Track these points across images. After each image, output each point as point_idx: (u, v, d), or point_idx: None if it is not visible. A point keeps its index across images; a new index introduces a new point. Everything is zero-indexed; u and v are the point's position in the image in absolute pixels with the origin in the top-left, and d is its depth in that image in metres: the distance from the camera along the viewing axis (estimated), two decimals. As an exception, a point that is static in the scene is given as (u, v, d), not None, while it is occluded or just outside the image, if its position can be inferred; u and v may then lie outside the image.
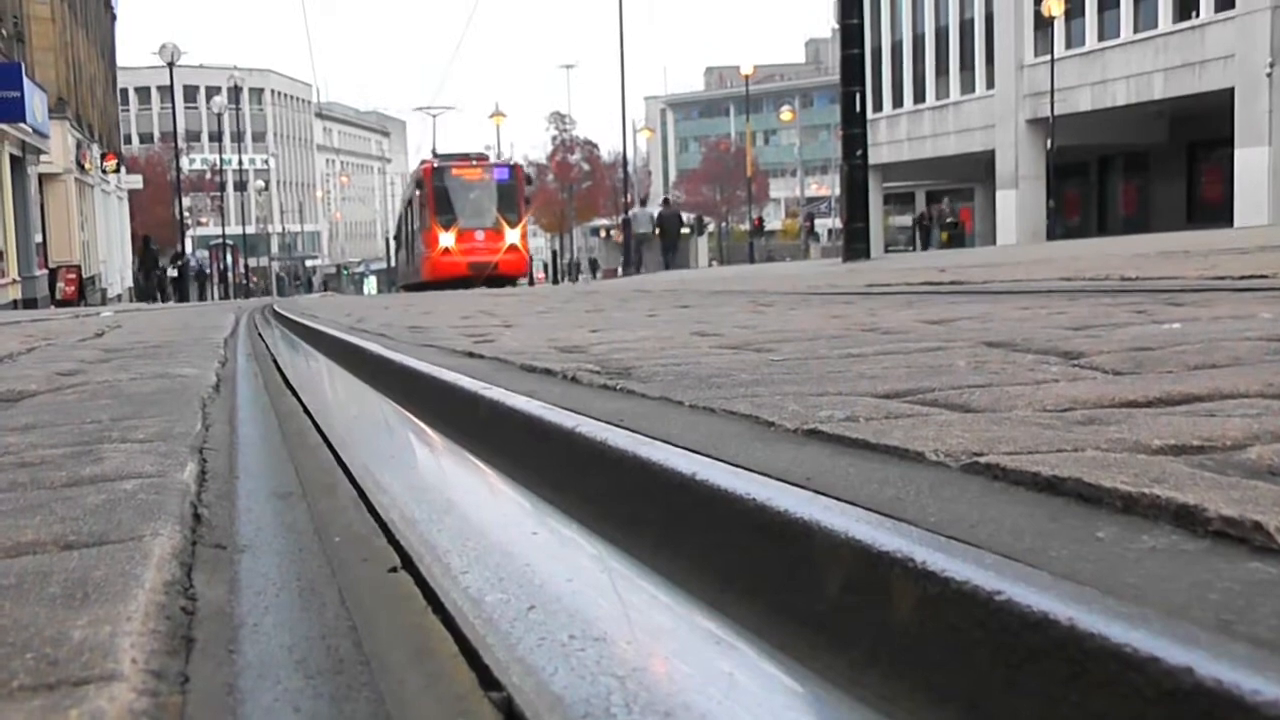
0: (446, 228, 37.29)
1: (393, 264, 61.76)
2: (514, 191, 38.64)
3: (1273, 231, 19.56)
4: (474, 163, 39.31)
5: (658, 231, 43.27)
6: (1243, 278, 5.23)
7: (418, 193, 39.63)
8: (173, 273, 46.78)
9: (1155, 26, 40.92)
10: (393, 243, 65.25)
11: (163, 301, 38.19)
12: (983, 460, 1.32)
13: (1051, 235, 41.25)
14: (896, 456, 1.44)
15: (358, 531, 1.65)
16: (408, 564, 1.45)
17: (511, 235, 37.83)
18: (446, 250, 37.09)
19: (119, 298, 42.45)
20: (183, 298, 43.27)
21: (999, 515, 1.10)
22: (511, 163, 41.06)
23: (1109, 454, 1.32)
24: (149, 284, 43.65)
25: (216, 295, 55.54)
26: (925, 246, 50.01)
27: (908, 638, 0.93)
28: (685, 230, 48.50)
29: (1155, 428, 1.50)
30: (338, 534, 1.64)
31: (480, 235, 37.40)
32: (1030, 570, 0.91)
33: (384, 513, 1.71)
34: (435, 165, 38.58)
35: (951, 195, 57.56)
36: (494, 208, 38.02)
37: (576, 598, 1.25)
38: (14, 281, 32.95)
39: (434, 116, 54.59)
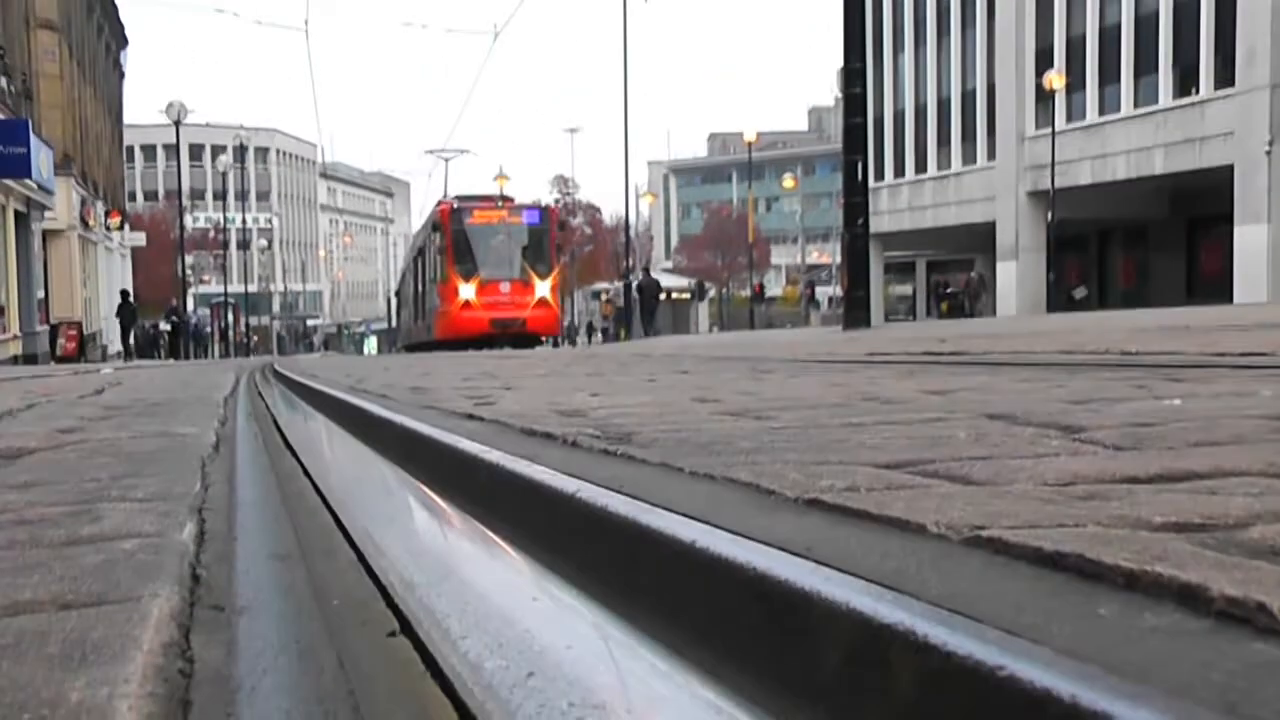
0: (467, 278, 32.71)
1: (394, 323, 59.30)
2: (545, 237, 34.32)
3: (1272, 309, 19.60)
4: (499, 204, 34.82)
5: (638, 299, 41.74)
6: (1243, 354, 5.24)
7: (434, 238, 34.89)
8: (165, 327, 45.30)
9: (1156, 102, 41.26)
10: (394, 300, 61.28)
11: (156, 358, 37.90)
12: (985, 534, 1.32)
13: (1052, 307, 41.37)
14: (898, 528, 1.44)
15: (356, 595, 1.65)
16: (406, 628, 1.44)
17: (541, 288, 33.24)
18: (467, 304, 32.54)
19: (119, 354, 42.29)
20: (175, 355, 42.39)
21: (1001, 590, 1.10)
22: (543, 205, 36.16)
23: (1111, 530, 1.32)
24: (125, 343, 41.36)
25: (216, 353, 55.55)
26: (950, 315, 50.09)
27: (908, 711, 0.92)
28: (662, 297, 47.34)
29: (1157, 504, 1.50)
30: (336, 597, 1.64)
31: (506, 287, 32.78)
32: (1033, 646, 0.91)
33: (383, 576, 1.71)
34: (455, 206, 34.05)
35: (953, 266, 57.73)
36: (522, 256, 33.56)
37: (576, 665, 1.25)
38: (15, 337, 33.01)
39: (446, 161, 47.35)
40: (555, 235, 35.05)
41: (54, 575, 1.56)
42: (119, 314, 42.28)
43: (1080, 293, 47.28)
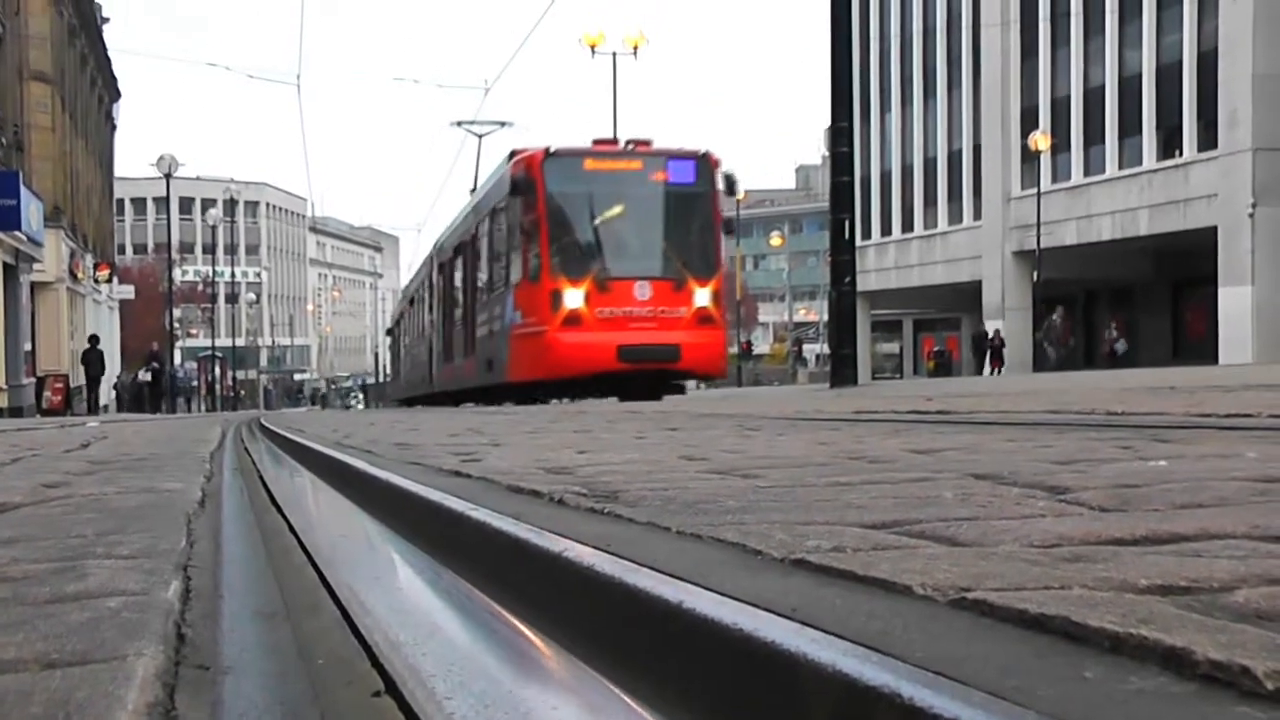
0: (574, 275, 20.25)
1: (390, 372, 52.98)
2: (704, 206, 21.37)
3: (1257, 370, 19.68)
4: (630, 148, 21.43)
5: None
6: (1228, 415, 5.26)
7: (506, 211, 22.01)
8: (145, 376, 41.58)
9: (1140, 164, 41.63)
10: (391, 341, 50.37)
11: (144, 411, 37.22)
12: (970, 596, 1.32)
13: (1038, 367, 41.47)
14: (883, 589, 1.44)
15: (341, 654, 1.64)
16: (391, 688, 1.44)
17: (702, 294, 20.68)
18: (574, 319, 20.04)
19: (105, 408, 42.02)
20: (155, 407, 40.13)
21: (986, 652, 1.10)
22: (700, 152, 21.69)
23: (1096, 592, 1.33)
24: (91, 396, 37.73)
25: (203, 408, 55.37)
26: (937, 373, 49.84)
27: (894, 776, 0.92)
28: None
29: (1142, 567, 1.50)
30: (321, 656, 1.63)
31: (644, 291, 20.30)
32: (1018, 709, 0.91)
33: (368, 635, 1.70)
34: (551, 151, 20.83)
35: (939, 325, 57.94)
36: (668, 238, 21.15)
37: (561, 727, 1.24)
38: (1, 390, 32.88)
39: (480, 137, 35.74)
40: (720, 204, 21.80)
41: (38, 633, 1.55)
42: (84, 360, 38.52)
43: (1122, 346, 43.31)
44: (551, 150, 20.92)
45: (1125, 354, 42.85)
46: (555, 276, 20.38)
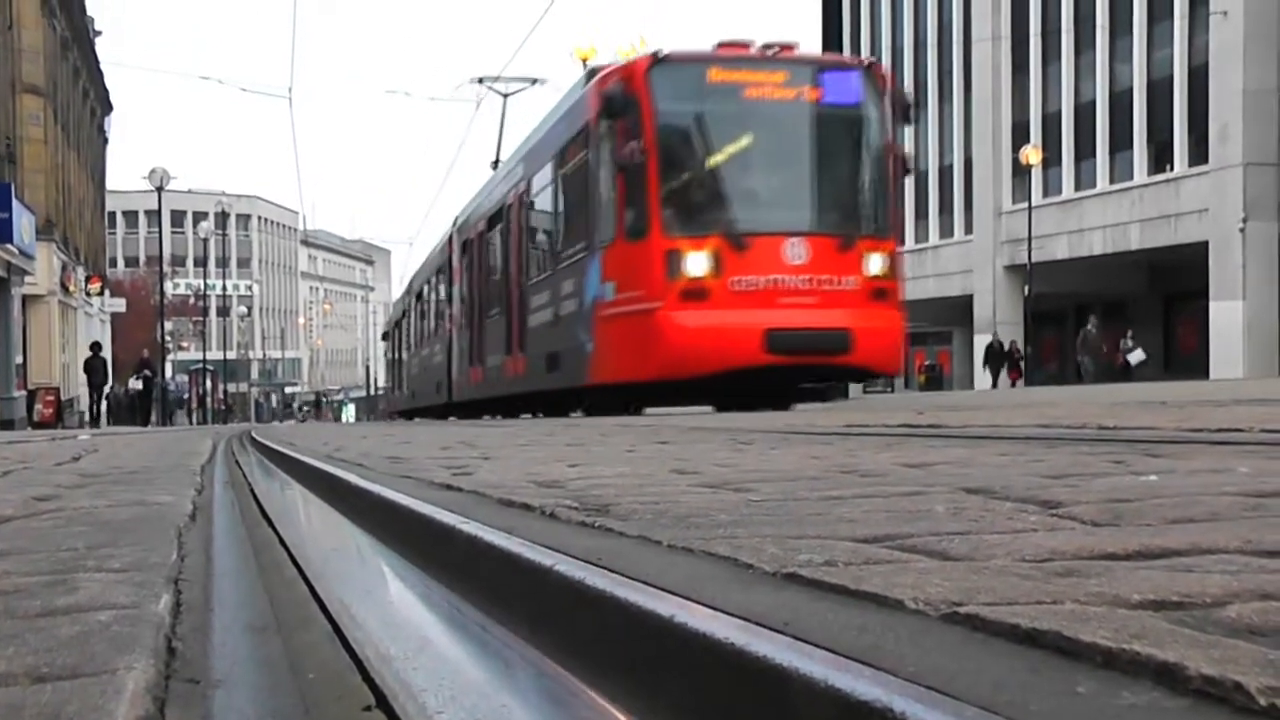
0: (699, 231, 14.91)
1: (378, 386, 49.98)
2: (876, 136, 16.02)
3: (1248, 384, 19.73)
4: (770, 52, 15.79)
5: None
6: (1219, 430, 5.26)
7: (580, 144, 16.62)
8: (137, 385, 39.79)
9: (1131, 178, 41.76)
10: (392, 340, 43.40)
11: (135, 423, 37.00)
12: (962, 610, 1.32)
13: (1029, 381, 41.50)
14: (875, 603, 1.44)
15: (332, 668, 1.64)
16: (382, 702, 1.44)
17: (876, 259, 15.39)
18: (699, 292, 14.57)
19: (96, 420, 41.84)
20: (147, 418, 39.04)
21: (979, 666, 1.10)
22: (865, 61, 17.61)
23: (1088, 607, 1.33)
24: (94, 404, 36.94)
25: (194, 420, 55.30)
26: (929, 387, 49.64)
27: (887, 791, 0.92)
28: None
29: (1134, 582, 1.50)
30: (312, 670, 1.63)
31: (796, 251, 14.79)
32: (1011, 725, 0.91)
33: (359, 649, 1.70)
34: (662, 57, 15.35)
35: (930, 338, 57.99)
36: (826, 178, 15.86)
37: (553, 741, 1.24)
38: (-9, 402, 32.84)
39: (505, 96, 30.35)
40: (895, 135, 16.34)
41: (29, 647, 1.54)
42: (87, 368, 37.31)
43: (1137, 356, 38.32)
44: (662, 55, 15.28)
45: (1141, 365, 38.27)
46: (669, 232, 14.66)
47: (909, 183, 54.53)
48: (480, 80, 30.61)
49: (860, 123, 15.93)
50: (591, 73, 16.89)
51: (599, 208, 15.90)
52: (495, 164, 26.33)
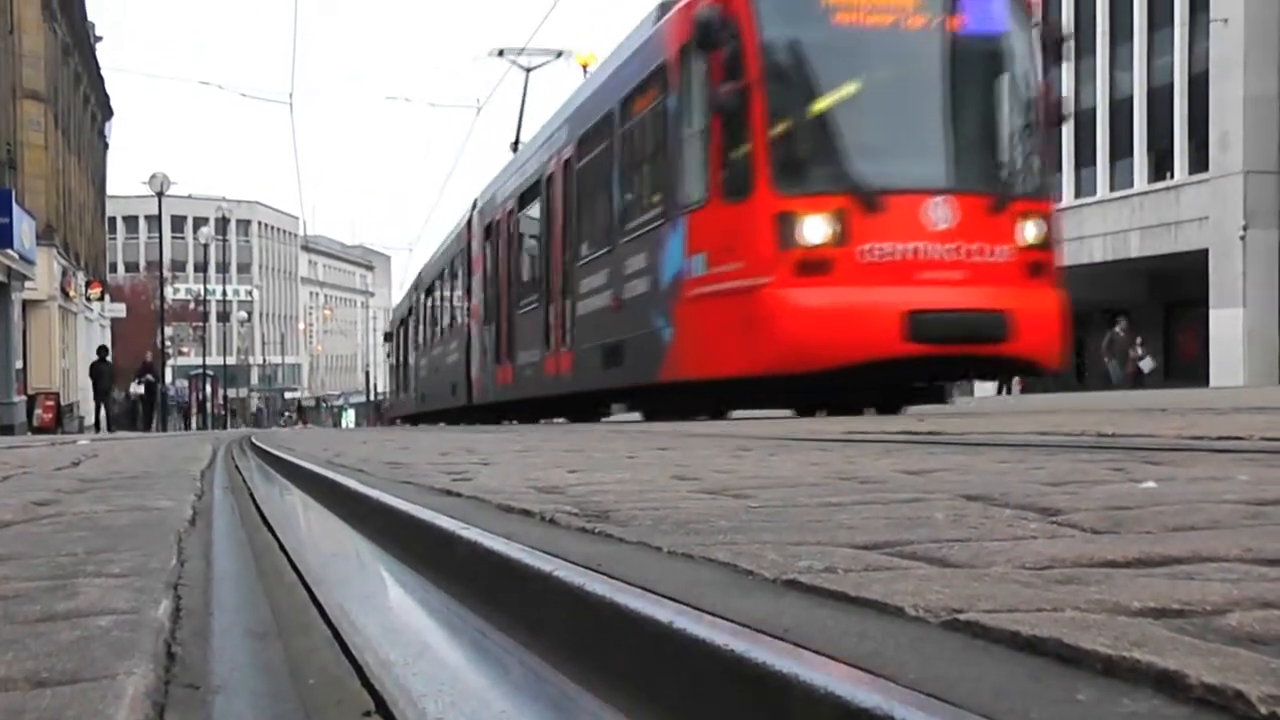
0: (818, 188, 11.85)
1: (378, 391, 47.93)
2: (1026, 74, 13.01)
3: (1248, 392, 19.73)
4: None
5: None
6: (1219, 438, 5.26)
7: (658, 86, 13.77)
8: (138, 389, 39.39)
9: (1131, 186, 41.72)
10: (397, 338, 39.92)
11: (135, 429, 36.87)
12: (962, 617, 1.32)
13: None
14: (875, 610, 1.43)
15: (332, 673, 1.64)
16: (382, 708, 1.43)
17: (1032, 226, 12.26)
18: (819, 264, 11.54)
19: (95, 425, 41.73)
20: (148, 424, 38.77)
21: (979, 674, 1.10)
22: None
23: (1089, 615, 1.33)
24: (99, 409, 36.48)
25: (194, 425, 55.29)
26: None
27: (887, 798, 0.92)
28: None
29: (1134, 589, 1.50)
30: (312, 676, 1.63)
31: (940, 214, 11.65)
32: (1011, 732, 0.91)
33: (359, 654, 1.69)
34: None
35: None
36: (970, 125, 12.77)
37: (552, 748, 1.24)
38: (-9, 407, 32.85)
39: (528, 70, 27.89)
40: (1048, 73, 13.40)
41: (29, 652, 1.54)
42: (93, 373, 36.65)
43: (1149, 364, 35.65)
44: None
45: (1153, 372, 35.61)
46: (781, 189, 11.80)
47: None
48: (501, 53, 28.08)
49: (1008, 57, 12.96)
50: (664, 7, 14.10)
51: (683, 163, 13.09)
52: (515, 145, 24.30)
